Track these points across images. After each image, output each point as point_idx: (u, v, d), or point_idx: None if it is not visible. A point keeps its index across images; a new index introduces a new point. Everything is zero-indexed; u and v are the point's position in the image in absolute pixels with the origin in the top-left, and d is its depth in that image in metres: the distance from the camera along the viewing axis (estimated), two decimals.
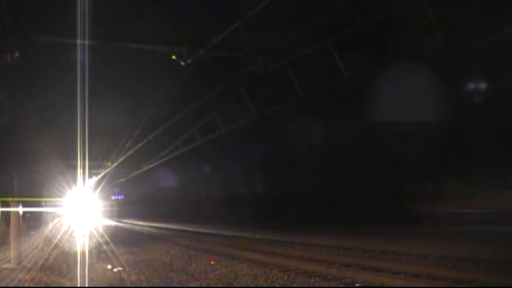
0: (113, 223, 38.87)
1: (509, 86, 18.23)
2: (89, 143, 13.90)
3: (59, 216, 27.30)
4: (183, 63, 10.96)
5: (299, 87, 11.98)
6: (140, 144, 19.57)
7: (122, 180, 35.01)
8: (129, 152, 20.91)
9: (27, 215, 19.90)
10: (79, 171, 19.17)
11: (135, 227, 34.43)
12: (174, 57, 11.00)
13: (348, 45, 10.89)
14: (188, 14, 10.63)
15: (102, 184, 28.64)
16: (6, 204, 12.95)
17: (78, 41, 9.79)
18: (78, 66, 10.43)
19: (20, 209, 12.83)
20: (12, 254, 12.12)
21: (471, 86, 21.85)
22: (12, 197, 12.48)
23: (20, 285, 9.56)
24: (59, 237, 18.25)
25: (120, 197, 53.84)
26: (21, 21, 9.77)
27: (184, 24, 10.79)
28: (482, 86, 21.33)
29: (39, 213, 23.63)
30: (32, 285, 9.54)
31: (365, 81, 17.05)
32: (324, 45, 10.74)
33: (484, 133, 21.04)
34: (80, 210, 24.86)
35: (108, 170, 25.23)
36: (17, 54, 10.57)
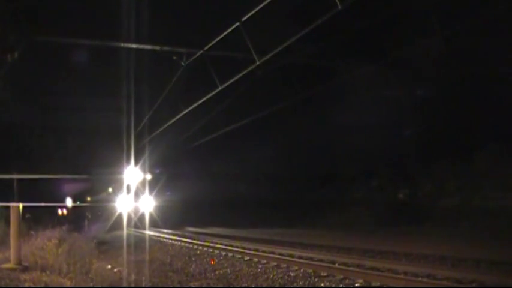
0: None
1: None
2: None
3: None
4: (183, 63, 11.00)
5: (298, 87, 12.00)
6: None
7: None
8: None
9: (27, 215, 19.80)
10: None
11: None
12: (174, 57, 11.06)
13: (348, 45, 10.90)
14: (188, 14, 10.63)
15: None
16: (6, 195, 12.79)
17: (79, 41, 9.82)
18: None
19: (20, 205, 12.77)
20: (12, 253, 12.12)
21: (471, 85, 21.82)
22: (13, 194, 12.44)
23: (20, 285, 9.55)
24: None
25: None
26: (21, 21, 9.76)
27: (185, 24, 10.80)
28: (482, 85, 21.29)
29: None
30: (32, 285, 9.53)
31: (364, 81, 17.05)
32: (324, 45, 10.75)
33: (484, 132, 21.05)
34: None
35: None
36: (17, 54, 10.56)
